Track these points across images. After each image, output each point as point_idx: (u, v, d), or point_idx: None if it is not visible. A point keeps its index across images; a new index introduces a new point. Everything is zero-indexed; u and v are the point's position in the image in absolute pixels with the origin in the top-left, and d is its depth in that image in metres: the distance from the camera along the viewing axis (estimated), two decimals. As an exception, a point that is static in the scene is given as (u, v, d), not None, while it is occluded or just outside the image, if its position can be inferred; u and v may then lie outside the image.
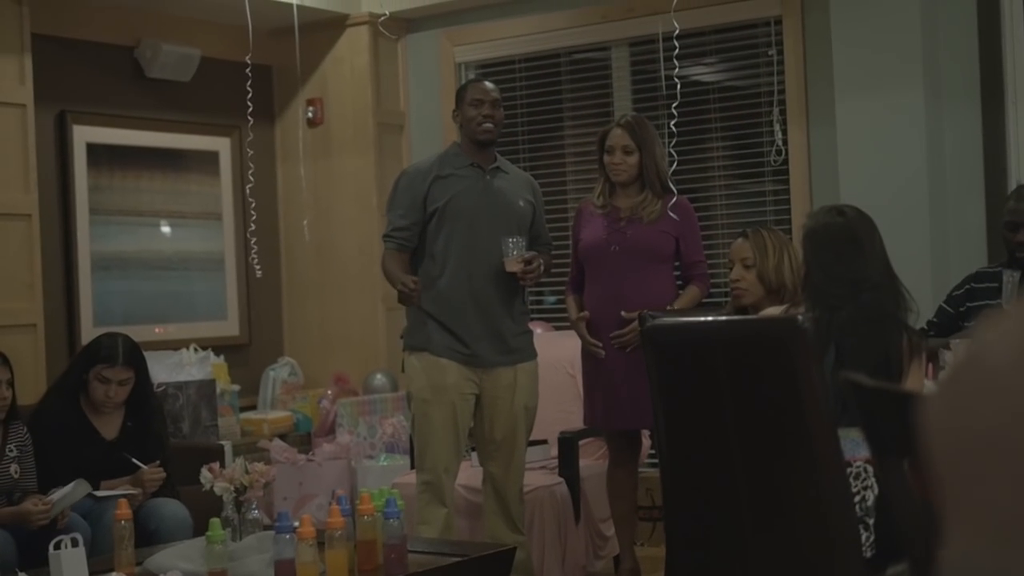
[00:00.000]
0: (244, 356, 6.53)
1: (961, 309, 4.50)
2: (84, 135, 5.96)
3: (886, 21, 5.19)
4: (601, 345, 4.56)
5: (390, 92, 6.62)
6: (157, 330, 6.15)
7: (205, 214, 6.47)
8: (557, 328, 5.83)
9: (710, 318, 3.79)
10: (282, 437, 5.89)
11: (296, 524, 3.51)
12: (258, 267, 5.73)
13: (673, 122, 4.97)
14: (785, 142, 5.67)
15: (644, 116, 5.03)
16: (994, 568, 0.63)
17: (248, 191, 6.15)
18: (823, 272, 3.35)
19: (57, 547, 3.52)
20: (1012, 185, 4.97)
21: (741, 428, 3.09)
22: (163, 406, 4.98)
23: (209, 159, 6.49)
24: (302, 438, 6.14)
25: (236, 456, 4.73)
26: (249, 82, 5.62)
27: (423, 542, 4.12)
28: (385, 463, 5.58)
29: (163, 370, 5.68)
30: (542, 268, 4.48)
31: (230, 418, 5.98)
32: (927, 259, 5.08)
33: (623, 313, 4.50)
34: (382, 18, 6.24)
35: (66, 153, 5.90)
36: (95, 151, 6.01)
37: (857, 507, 3.10)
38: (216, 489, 4.00)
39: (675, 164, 4.90)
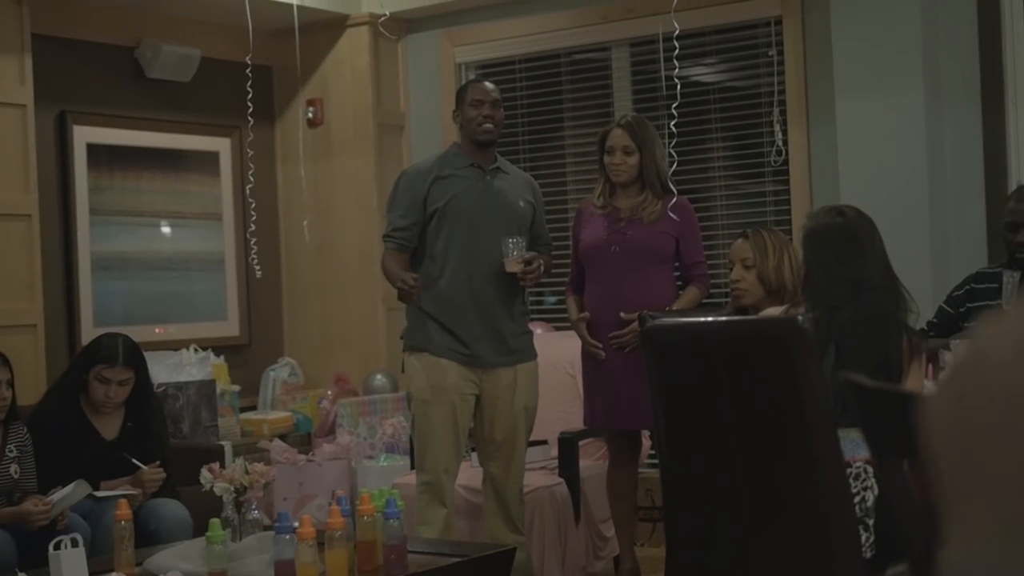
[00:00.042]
0: (244, 356, 6.53)
1: (961, 310, 4.50)
2: (84, 135, 5.96)
3: (886, 21, 5.19)
4: (601, 346, 4.56)
5: (390, 92, 6.63)
6: (157, 330, 6.15)
7: (205, 214, 6.47)
8: (557, 328, 5.83)
9: (710, 318, 3.79)
10: (282, 437, 5.89)
11: (296, 524, 3.51)
12: (258, 267, 5.73)
13: (673, 122, 4.97)
14: (785, 142, 5.67)
15: (644, 116, 5.03)
16: (994, 567, 0.63)
17: (248, 191, 6.16)
18: (823, 272, 3.35)
19: (57, 547, 3.52)
20: (1012, 185, 4.97)
21: (741, 428, 3.09)
22: (163, 406, 4.98)
23: (209, 159, 6.49)
24: (302, 438, 6.14)
25: (236, 456, 4.73)
26: (249, 82, 5.62)
27: (423, 542, 4.12)
28: (385, 463, 5.57)
29: (163, 370, 5.68)
30: (542, 268, 4.48)
31: (230, 418, 5.98)
32: (927, 259, 5.07)
33: (622, 315, 4.50)
34: (382, 18, 6.24)
35: (66, 153, 5.90)
36: (95, 151, 6.01)
37: (857, 508, 3.10)
38: (216, 489, 4.00)
39: (675, 164, 4.90)
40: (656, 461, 4.17)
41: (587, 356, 4.66)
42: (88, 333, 5.67)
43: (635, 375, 4.30)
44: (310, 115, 6.65)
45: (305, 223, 6.17)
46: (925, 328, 4.29)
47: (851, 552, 3.02)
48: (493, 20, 6.41)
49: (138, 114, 6.19)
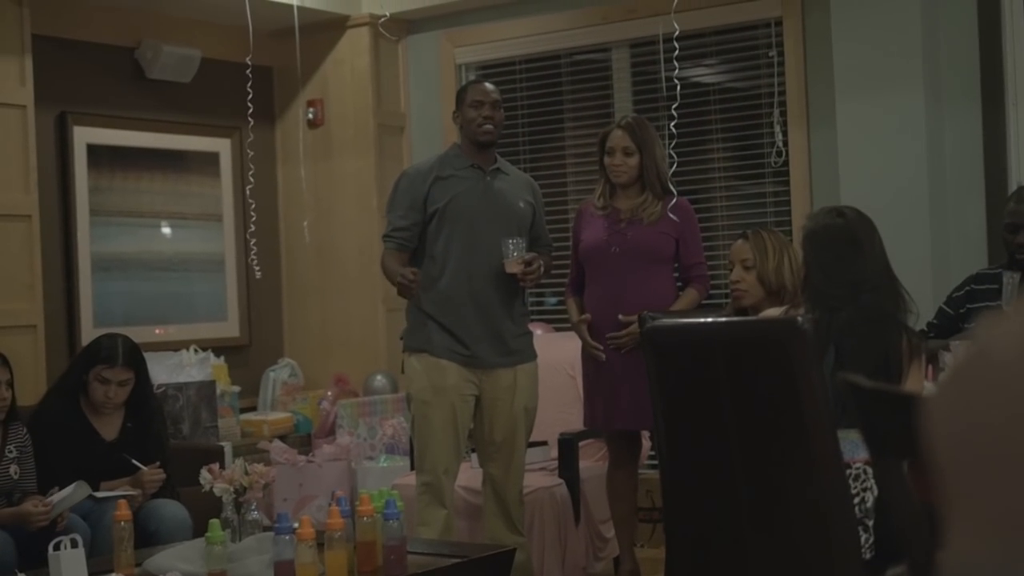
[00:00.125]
0: (244, 357, 6.53)
1: (961, 311, 4.50)
2: (84, 136, 5.96)
3: (886, 22, 5.19)
4: (602, 348, 4.56)
5: (390, 93, 6.63)
6: (157, 331, 6.15)
7: (205, 215, 6.47)
8: (557, 329, 5.83)
9: (710, 319, 3.79)
10: (282, 438, 5.89)
11: (296, 525, 3.51)
12: (258, 268, 5.73)
13: (673, 123, 4.97)
14: (785, 143, 5.67)
15: (644, 117, 5.03)
16: (995, 568, 0.63)
17: (248, 192, 6.16)
18: (823, 273, 3.35)
19: (56, 548, 3.52)
20: (1012, 186, 4.97)
21: (741, 429, 3.09)
22: (163, 407, 4.98)
23: (209, 160, 6.49)
24: (302, 439, 6.14)
25: (236, 457, 4.73)
26: (249, 83, 5.62)
27: (423, 543, 4.12)
28: (385, 464, 5.58)
29: (163, 371, 5.68)
30: (542, 269, 4.48)
31: (230, 419, 5.98)
32: (927, 260, 5.08)
33: (620, 316, 4.50)
34: (382, 19, 6.24)
35: (66, 154, 5.90)
36: (95, 152, 6.01)
37: (856, 508, 3.10)
38: (216, 490, 4.00)
39: (675, 165, 4.90)
40: (656, 462, 4.17)
41: (587, 357, 4.66)
42: (88, 334, 5.67)
43: (635, 376, 4.30)
44: (310, 116, 6.65)
45: (305, 224, 6.17)
46: (925, 329, 4.29)
47: (850, 553, 3.02)
48: (493, 21, 6.41)
49: (138, 115, 6.19)
